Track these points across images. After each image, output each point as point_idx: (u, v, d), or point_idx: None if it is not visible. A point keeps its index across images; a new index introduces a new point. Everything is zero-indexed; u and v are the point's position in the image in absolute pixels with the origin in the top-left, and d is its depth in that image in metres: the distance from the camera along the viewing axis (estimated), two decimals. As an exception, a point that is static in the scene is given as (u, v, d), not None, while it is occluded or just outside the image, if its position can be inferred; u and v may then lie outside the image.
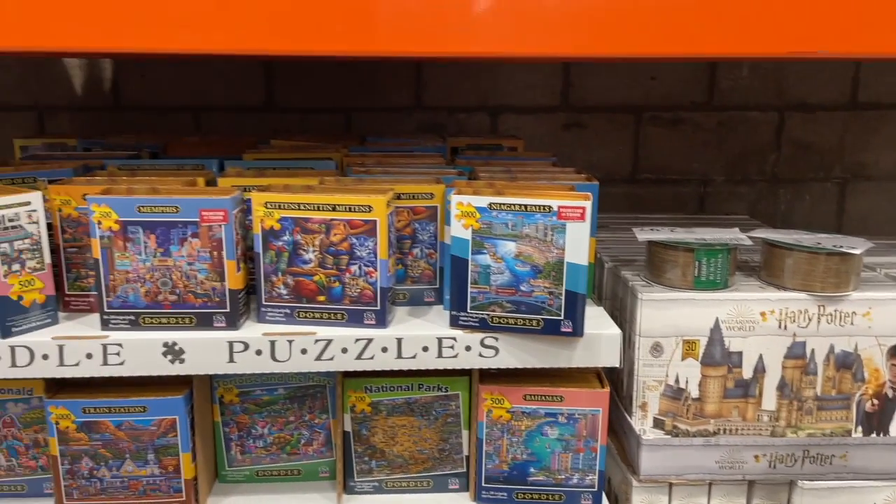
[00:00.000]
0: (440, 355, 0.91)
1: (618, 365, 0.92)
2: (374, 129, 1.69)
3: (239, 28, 0.78)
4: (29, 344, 0.86)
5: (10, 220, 0.85)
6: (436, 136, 1.50)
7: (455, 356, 0.91)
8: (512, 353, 0.91)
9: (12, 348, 0.86)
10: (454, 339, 0.91)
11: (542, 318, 0.88)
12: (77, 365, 0.87)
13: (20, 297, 0.86)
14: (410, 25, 0.78)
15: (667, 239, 1.01)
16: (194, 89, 1.67)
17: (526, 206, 0.86)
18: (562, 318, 0.88)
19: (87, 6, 0.76)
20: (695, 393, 0.99)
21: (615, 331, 0.91)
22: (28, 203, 0.86)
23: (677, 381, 0.99)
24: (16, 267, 0.86)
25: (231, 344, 0.88)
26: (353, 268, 0.90)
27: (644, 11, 0.78)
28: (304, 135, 1.48)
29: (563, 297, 0.87)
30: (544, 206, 0.86)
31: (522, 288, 0.88)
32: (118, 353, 0.87)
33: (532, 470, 0.96)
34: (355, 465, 0.98)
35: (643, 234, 1.03)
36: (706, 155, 1.70)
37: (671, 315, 0.97)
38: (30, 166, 1.05)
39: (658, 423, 1.00)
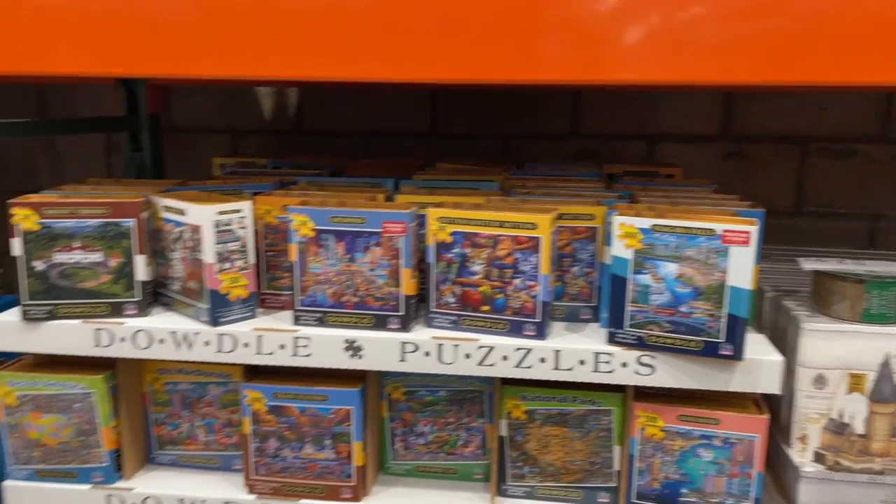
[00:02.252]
0: (596, 370, 0.95)
1: (778, 392, 0.91)
2: (531, 155, 1.76)
3: (413, 58, 0.87)
4: (233, 333, 0.99)
5: (225, 225, 0.98)
6: (592, 163, 1.54)
7: (611, 371, 0.94)
8: (668, 373, 0.93)
9: (220, 336, 0.99)
10: (611, 354, 0.94)
11: (702, 340, 0.90)
12: (272, 354, 0.98)
13: (228, 292, 1.00)
14: (571, 54, 0.84)
15: (835, 269, 0.99)
16: (366, 116, 1.81)
17: (689, 228, 0.89)
18: (722, 340, 0.89)
19: (286, 41, 0.88)
20: (860, 429, 0.96)
21: (777, 357, 0.91)
22: (239, 211, 1.00)
23: (841, 415, 0.96)
24: (226, 265, 0.99)
25: (403, 344, 0.97)
26: (517, 281, 0.96)
27: (815, 36, 0.79)
28: (465, 159, 1.57)
29: (723, 320, 0.89)
30: (708, 229, 0.88)
31: (682, 309, 0.90)
32: (306, 346, 0.98)
33: (684, 490, 0.97)
34: (508, 469, 1.04)
35: (809, 264, 1.02)
36: (879, 189, 1.62)
37: (837, 347, 0.95)
38: (235, 180, 1.20)
39: (819, 458, 0.97)
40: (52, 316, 1.01)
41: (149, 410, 1.10)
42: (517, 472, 1.04)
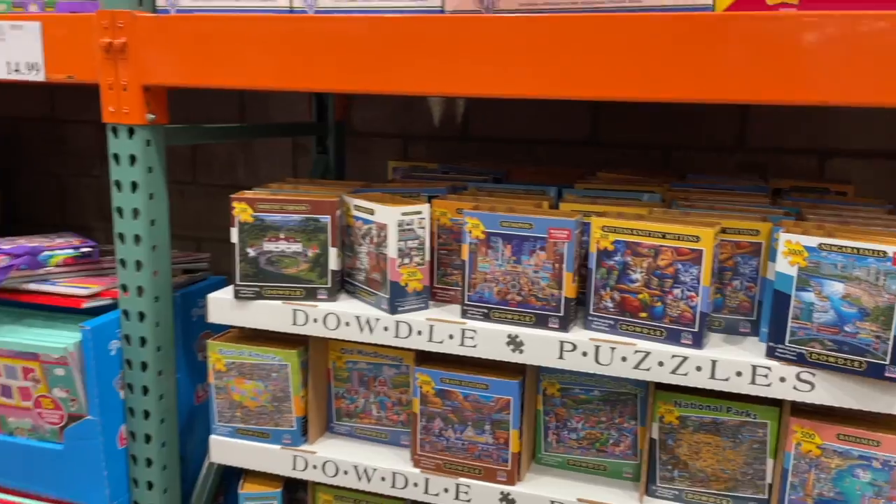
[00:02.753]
0: (753, 382, 0.97)
1: (949, 420, 0.89)
2: (692, 166, 1.76)
3: (584, 77, 0.93)
4: (409, 321, 1.10)
5: (407, 225, 1.10)
6: (757, 177, 1.53)
7: (768, 385, 0.96)
8: (828, 391, 0.93)
9: (397, 323, 1.11)
10: (769, 368, 0.96)
11: (866, 361, 0.90)
12: (441, 343, 1.09)
13: (406, 284, 1.11)
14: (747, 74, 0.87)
15: None
16: (529, 124, 1.89)
17: (859, 249, 0.89)
18: (888, 363, 0.89)
19: (468, 61, 0.97)
20: None
21: (949, 384, 0.89)
22: (420, 213, 1.11)
23: None
24: (406, 260, 1.11)
25: (562, 343, 1.04)
26: (676, 291, 1.00)
27: None
28: (625, 169, 1.61)
29: (891, 343, 0.88)
30: (879, 250, 0.88)
31: (847, 328, 0.90)
32: (472, 338, 1.07)
33: (839, 510, 0.97)
34: (658, 471, 1.08)
35: None
36: None
37: None
38: (412, 184, 1.33)
39: None
40: (259, 296, 1.17)
41: (331, 385, 1.25)
42: (666, 475, 1.07)
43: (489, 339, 1.07)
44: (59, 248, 1.33)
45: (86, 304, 1.24)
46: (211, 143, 2.19)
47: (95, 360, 1.21)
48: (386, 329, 1.11)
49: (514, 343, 1.06)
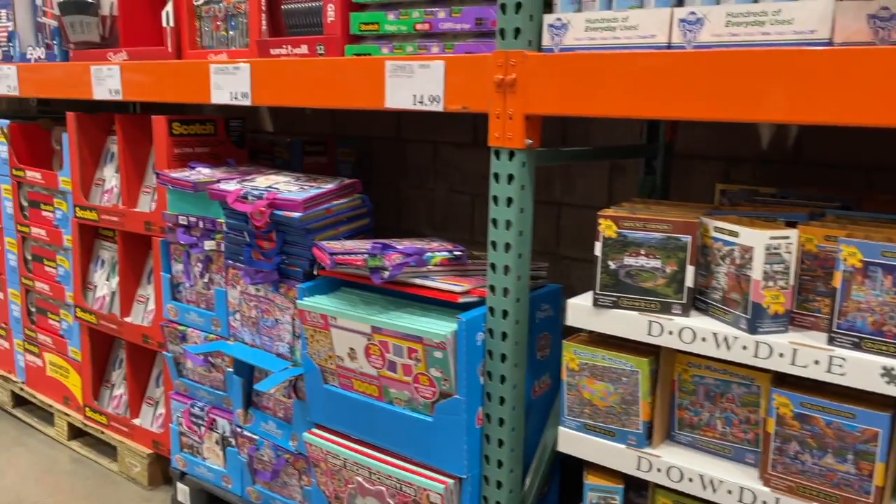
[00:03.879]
0: None
1: None
2: None
3: None
4: (770, 342, 1.13)
5: (774, 249, 1.13)
6: None
7: None
8: None
9: (757, 343, 1.14)
10: None
11: None
12: (805, 367, 1.11)
13: (768, 307, 1.15)
14: None
15: None
16: (869, 149, 1.79)
17: None
18: None
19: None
20: None
21: None
22: (787, 237, 1.14)
23: None
24: (770, 283, 1.14)
25: (947, 381, 1.00)
26: None
27: None
28: None
29: None
30: None
31: None
32: (841, 366, 1.08)
33: None
34: None
35: None
36: None
37: None
38: (766, 208, 1.35)
39: None
40: (616, 305, 1.28)
41: (675, 395, 1.32)
42: None
43: (860, 368, 1.06)
44: (438, 250, 1.56)
45: (460, 300, 1.45)
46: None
47: (466, 347, 1.42)
48: (744, 348, 1.15)
49: (890, 375, 1.04)
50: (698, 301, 1.27)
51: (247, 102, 1.78)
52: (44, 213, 2.55)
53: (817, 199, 1.54)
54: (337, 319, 1.57)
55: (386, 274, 1.50)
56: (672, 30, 1.19)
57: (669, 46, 1.19)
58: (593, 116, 1.28)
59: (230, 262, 1.86)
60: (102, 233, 2.43)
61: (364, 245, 1.58)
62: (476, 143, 2.49)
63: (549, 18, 1.32)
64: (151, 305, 2.28)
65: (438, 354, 1.43)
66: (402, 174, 2.66)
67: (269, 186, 1.76)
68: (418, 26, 1.53)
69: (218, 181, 1.87)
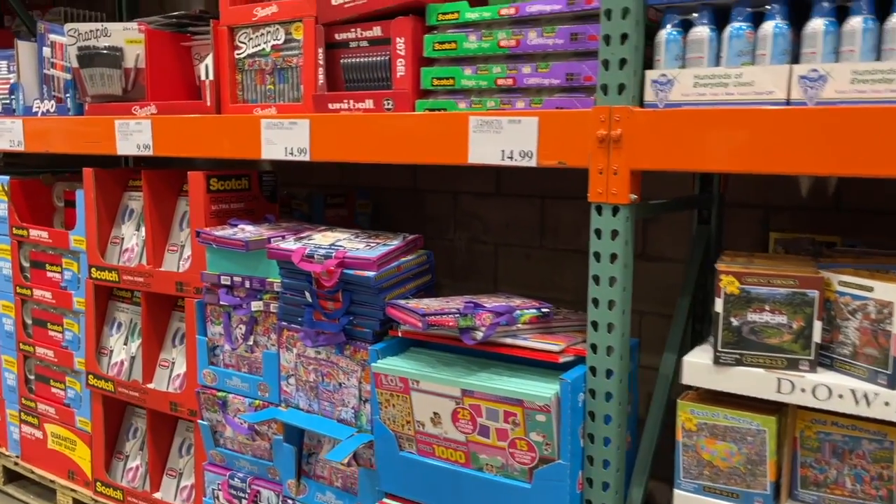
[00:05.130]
0: None
1: None
2: None
3: None
4: (912, 397, 1.13)
5: (911, 303, 1.13)
6: None
7: None
8: None
9: (899, 398, 1.14)
10: None
11: None
12: (955, 421, 1.10)
13: (906, 361, 1.14)
14: None
15: None
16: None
17: None
18: None
19: None
20: None
21: None
22: (922, 291, 1.14)
23: None
24: (907, 337, 1.14)
25: None
26: None
27: None
28: None
29: None
30: None
31: None
32: None
33: None
34: None
35: None
36: None
37: None
38: (868, 259, 1.36)
39: None
40: (739, 363, 1.26)
41: (797, 452, 1.29)
42: None
43: None
44: (525, 308, 1.52)
45: (562, 360, 1.41)
46: (560, 210, 2.36)
47: (570, 409, 1.37)
48: (887, 404, 1.14)
49: None
50: (823, 357, 1.26)
51: (305, 158, 1.72)
52: (49, 275, 2.39)
53: (889, 247, 1.57)
54: (420, 383, 1.50)
55: (479, 335, 1.44)
56: (791, 86, 1.19)
57: (788, 103, 1.20)
58: (703, 171, 1.28)
59: (284, 323, 1.77)
60: (118, 294, 2.30)
61: (447, 304, 1.53)
62: (498, 193, 2.47)
63: (652, 74, 1.32)
64: (178, 370, 2.15)
65: (541, 418, 1.38)
66: (420, 225, 2.61)
67: (333, 244, 1.69)
68: (500, 81, 1.51)
69: (269, 239, 1.79)
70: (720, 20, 1.29)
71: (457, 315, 1.44)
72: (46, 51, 2.34)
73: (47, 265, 2.39)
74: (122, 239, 2.24)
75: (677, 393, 1.38)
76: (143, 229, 2.20)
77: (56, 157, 2.39)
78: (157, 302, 2.15)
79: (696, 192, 1.91)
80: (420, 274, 1.74)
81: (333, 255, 1.62)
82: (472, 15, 1.53)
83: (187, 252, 2.10)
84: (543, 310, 1.53)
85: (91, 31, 2.12)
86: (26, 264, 2.46)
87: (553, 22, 1.44)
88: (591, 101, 1.40)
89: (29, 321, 2.48)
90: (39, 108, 2.35)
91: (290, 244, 1.71)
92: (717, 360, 1.27)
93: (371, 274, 1.58)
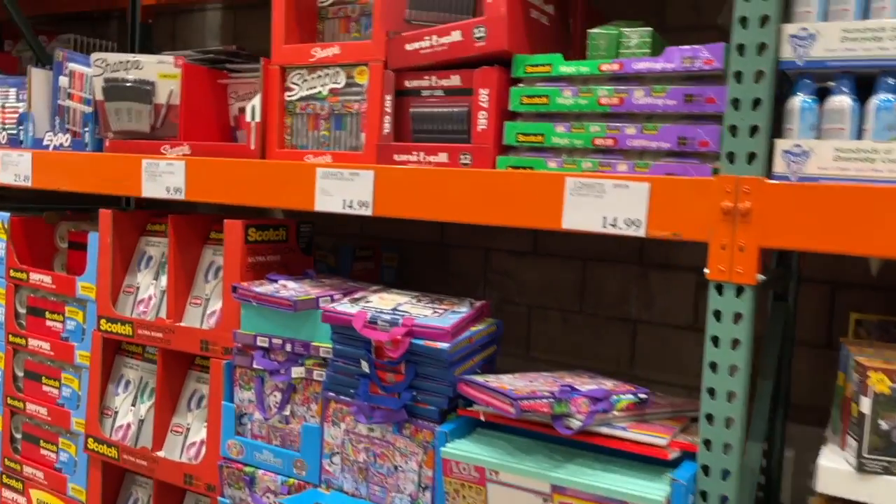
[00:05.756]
0: None
1: None
2: None
3: None
4: None
5: None
6: None
7: None
8: None
9: None
10: None
11: None
12: None
13: None
14: None
15: None
16: None
17: None
18: None
19: None
20: None
21: None
22: None
23: None
24: None
25: None
26: None
27: None
28: None
29: None
30: None
31: None
32: None
33: None
34: None
35: None
36: None
37: None
38: None
39: None
40: (888, 471, 1.12)
41: (947, 575, 1.15)
42: None
43: None
44: (621, 392, 1.37)
45: (672, 456, 1.25)
46: (603, 274, 2.23)
47: (682, 514, 1.21)
48: None
49: None
50: (972, 464, 1.13)
51: (367, 212, 1.56)
52: (49, 323, 2.17)
53: None
54: (499, 474, 1.33)
55: (575, 423, 1.28)
56: (952, 166, 1.09)
57: (951, 182, 1.09)
58: (843, 253, 1.16)
59: (332, 394, 1.59)
60: (127, 348, 2.08)
61: (531, 383, 1.37)
62: (535, 252, 2.34)
63: (783, 144, 1.20)
64: (193, 437, 1.93)
65: (649, 522, 1.21)
66: (445, 281, 2.47)
67: (395, 309, 1.52)
68: (598, 141, 1.38)
69: (317, 299, 1.62)
70: (861, 91, 1.19)
71: (551, 400, 1.28)
72: (63, 80, 2.17)
73: (47, 313, 2.17)
74: (137, 288, 2.04)
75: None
76: (162, 279, 2.01)
77: (44, 193, 2.19)
78: (175, 360, 1.94)
79: (773, 267, 1.80)
80: (487, 345, 1.58)
81: (400, 321, 1.45)
82: (568, 69, 1.41)
83: (212, 306, 1.91)
84: (640, 395, 1.37)
85: (120, 62, 1.96)
86: (22, 310, 2.24)
87: (663, 81, 1.33)
88: (706, 169, 1.28)
89: (20, 373, 2.24)
90: (52, 141, 2.16)
91: (346, 307, 1.54)
92: (861, 468, 1.13)
93: (444, 346, 1.41)
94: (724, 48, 1.26)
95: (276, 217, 1.91)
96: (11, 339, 2.22)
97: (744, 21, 1.20)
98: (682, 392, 2.10)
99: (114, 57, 1.97)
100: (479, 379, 1.39)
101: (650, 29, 1.37)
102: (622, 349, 2.27)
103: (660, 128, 1.32)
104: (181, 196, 1.83)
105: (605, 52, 1.39)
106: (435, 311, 1.52)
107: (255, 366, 1.70)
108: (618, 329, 2.26)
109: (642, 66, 1.34)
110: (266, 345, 1.68)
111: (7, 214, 2.23)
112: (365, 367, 1.51)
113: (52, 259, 2.35)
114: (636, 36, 1.37)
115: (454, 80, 1.53)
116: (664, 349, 2.18)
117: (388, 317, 1.47)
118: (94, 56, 1.98)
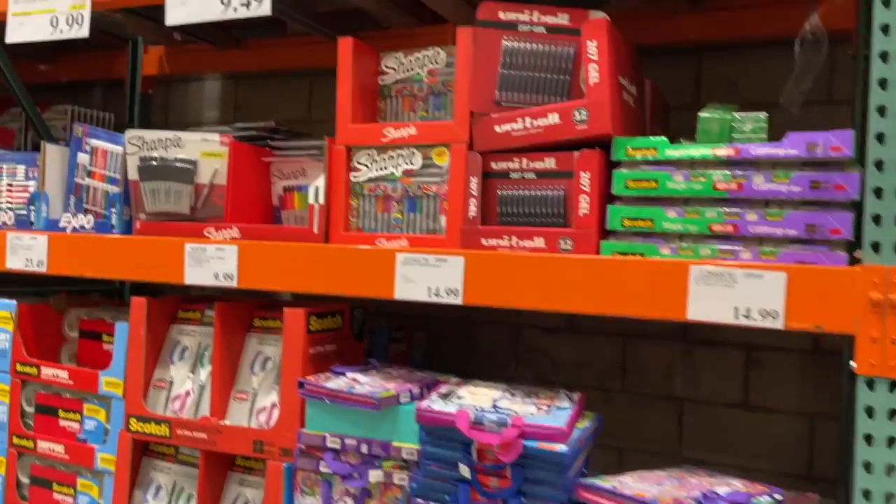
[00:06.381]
0: None
1: None
2: None
3: None
4: None
5: None
6: None
7: None
8: None
9: None
10: None
11: None
12: None
13: None
14: None
15: None
16: None
17: None
18: None
19: None
20: None
21: None
22: None
23: None
24: None
25: None
26: None
27: None
28: None
29: None
30: None
31: None
32: None
33: None
34: None
35: None
36: None
37: None
38: None
39: None
40: None
41: None
42: None
43: None
44: (758, 495, 1.28)
45: (833, 566, 1.16)
46: (645, 351, 2.17)
47: None
48: None
49: None
50: None
51: (456, 301, 1.47)
52: (63, 423, 1.96)
53: None
54: (636, 591, 1.21)
55: (724, 533, 1.19)
56: None
57: None
58: None
59: (421, 501, 1.45)
60: (155, 449, 1.89)
61: (659, 487, 1.27)
62: (571, 329, 2.27)
63: (928, 232, 1.17)
64: (239, 550, 1.74)
65: None
66: (473, 358, 2.37)
67: (495, 406, 1.42)
68: (715, 227, 1.33)
69: (398, 396, 1.50)
70: None
71: (696, 508, 1.19)
72: (83, 157, 2.02)
73: (61, 411, 1.96)
74: (171, 383, 1.87)
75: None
76: (200, 371, 1.84)
77: (38, 277, 2.01)
78: (218, 462, 1.77)
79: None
80: (589, 443, 1.48)
81: (509, 421, 1.34)
82: (675, 153, 1.37)
83: (261, 402, 1.76)
84: (776, 496, 1.29)
85: (159, 140, 1.84)
86: (29, 409, 2.02)
87: (783, 167, 1.30)
88: (838, 257, 1.24)
89: (25, 480, 2.01)
90: (70, 223, 1.99)
91: (440, 405, 1.42)
92: None
93: (563, 448, 1.31)
94: (853, 135, 1.24)
95: (332, 303, 1.78)
96: (16, 440, 2.00)
97: (882, 110, 1.19)
98: (735, 472, 2.05)
99: (151, 134, 1.84)
100: (600, 483, 1.29)
101: (765, 114, 1.35)
102: (669, 428, 2.19)
103: (785, 214, 1.28)
104: (233, 283, 1.69)
105: (718, 136, 1.36)
106: (538, 408, 1.41)
107: (323, 469, 1.55)
108: (663, 407, 2.19)
109: (762, 151, 1.30)
110: (338, 446, 1.54)
111: (13, 303, 2.03)
112: (465, 471, 1.38)
113: (57, 350, 2.15)
114: (751, 121, 1.34)
115: (548, 163, 1.47)
116: (713, 428, 2.12)
117: (493, 416, 1.36)
118: (129, 133, 1.85)
